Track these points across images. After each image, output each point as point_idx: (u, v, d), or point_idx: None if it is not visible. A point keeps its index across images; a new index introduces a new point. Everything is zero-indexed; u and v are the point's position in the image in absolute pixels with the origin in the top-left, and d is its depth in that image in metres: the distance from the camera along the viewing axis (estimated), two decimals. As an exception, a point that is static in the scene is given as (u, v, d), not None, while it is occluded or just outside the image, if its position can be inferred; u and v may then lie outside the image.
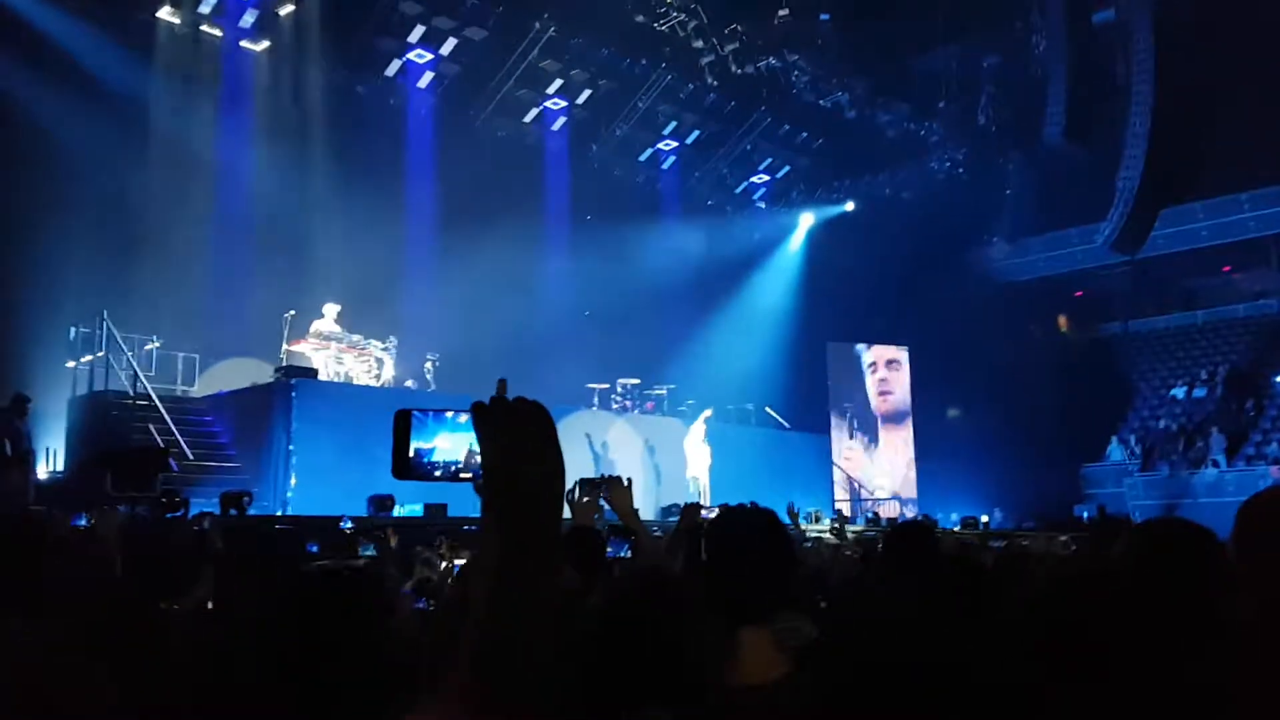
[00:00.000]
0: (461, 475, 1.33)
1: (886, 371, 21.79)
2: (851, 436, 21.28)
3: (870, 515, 17.80)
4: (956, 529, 15.33)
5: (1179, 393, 22.92)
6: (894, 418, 21.78)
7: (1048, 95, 18.80)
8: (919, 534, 3.50)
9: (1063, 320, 26.14)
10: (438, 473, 1.34)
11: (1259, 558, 1.60)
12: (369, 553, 4.59)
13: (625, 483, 3.70)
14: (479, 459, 1.16)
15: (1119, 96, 18.96)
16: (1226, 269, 25.24)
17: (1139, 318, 25.55)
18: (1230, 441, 20.25)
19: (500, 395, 1.16)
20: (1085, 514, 17.83)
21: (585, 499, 3.66)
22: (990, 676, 1.03)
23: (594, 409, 16.04)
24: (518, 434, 1.12)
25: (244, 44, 15.85)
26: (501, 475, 1.11)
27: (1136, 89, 18.28)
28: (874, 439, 21.60)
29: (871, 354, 21.77)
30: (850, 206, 23.21)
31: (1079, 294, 25.80)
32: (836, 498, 19.67)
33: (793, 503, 8.97)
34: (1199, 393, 22.57)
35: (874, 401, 21.74)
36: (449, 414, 1.35)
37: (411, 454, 1.34)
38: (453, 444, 1.34)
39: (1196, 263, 24.10)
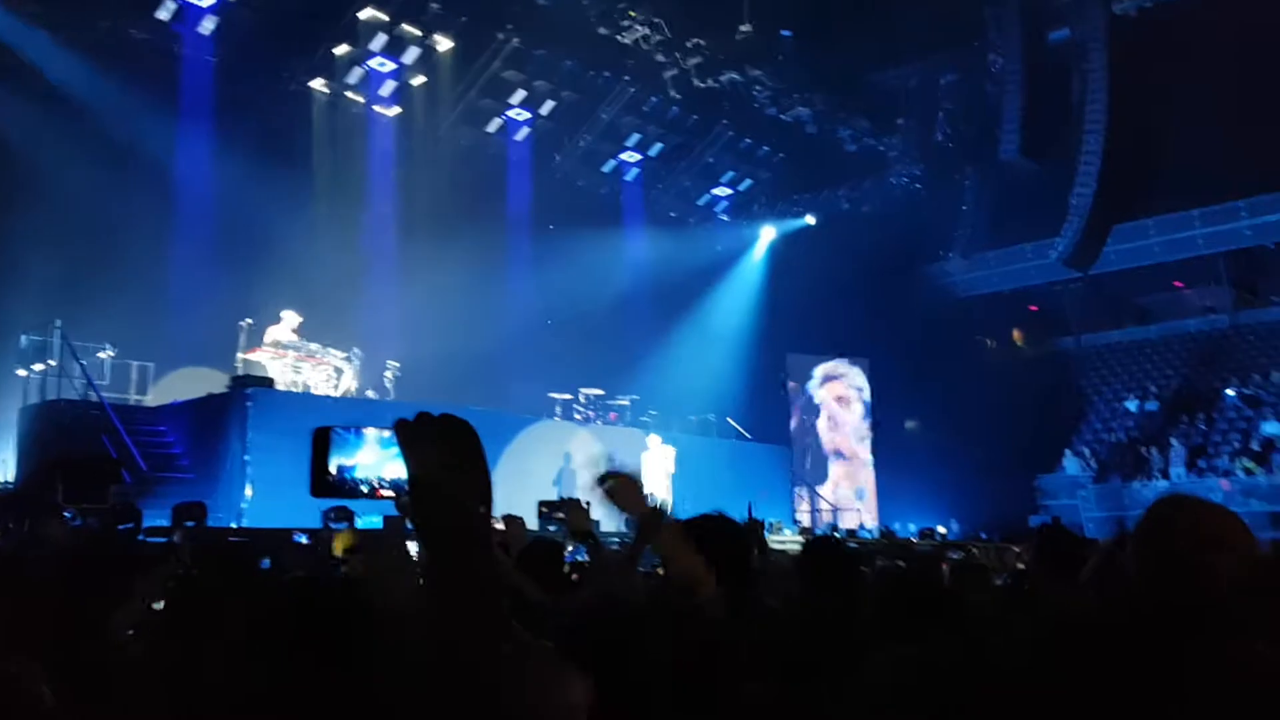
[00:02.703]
0: (381, 492, 1.31)
1: (838, 406, 22.06)
2: (808, 450, 21.43)
3: (831, 525, 17.93)
4: (913, 539, 15.48)
5: (1131, 405, 23.34)
6: (853, 441, 22.07)
7: (1004, 112, 19.13)
8: (832, 550, 3.62)
9: (1018, 334, 26.54)
10: (363, 488, 1.32)
11: (1144, 559, 1.66)
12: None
13: (584, 505, 3.79)
14: (400, 476, 1.15)
15: (1074, 114, 19.34)
16: (1178, 284, 25.75)
17: (1092, 332, 25.98)
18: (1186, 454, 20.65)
19: (424, 412, 1.16)
20: (1038, 524, 18.07)
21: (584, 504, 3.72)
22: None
23: (556, 419, 16.02)
24: (442, 450, 1.12)
25: (203, 51, 15.68)
26: (427, 491, 1.11)
27: (1090, 107, 18.65)
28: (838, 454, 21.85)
29: (839, 386, 22.07)
30: (811, 220, 23.42)
31: (1034, 308, 26.20)
32: (796, 509, 19.79)
33: (750, 508, 8.89)
34: (1151, 406, 22.99)
35: (842, 430, 22.06)
36: (371, 431, 1.33)
37: (334, 470, 1.32)
38: (376, 459, 1.32)
39: (1148, 278, 24.57)
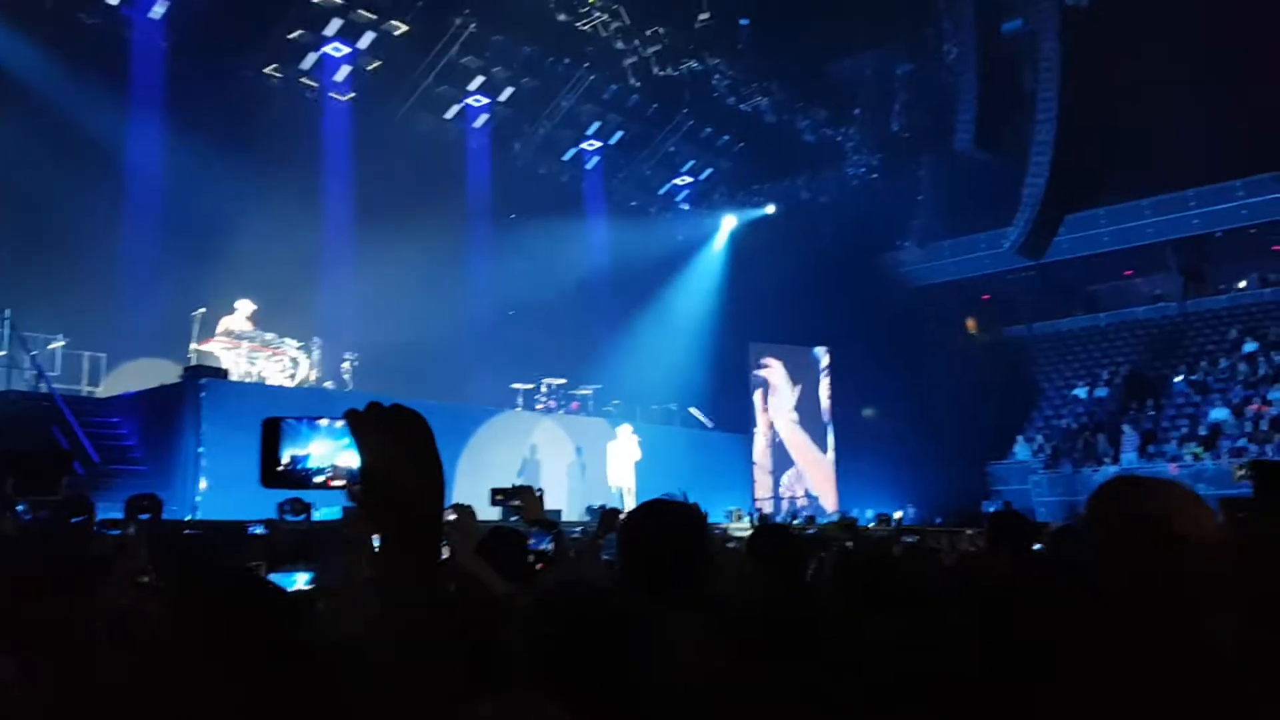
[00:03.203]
0: (332, 482, 1.31)
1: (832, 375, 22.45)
2: (774, 439, 21.60)
3: (790, 512, 18.10)
4: (871, 524, 15.66)
5: (1081, 392, 23.77)
6: (830, 422, 22.39)
7: (958, 103, 19.33)
8: (778, 535, 3.70)
9: (971, 322, 26.90)
10: (317, 479, 1.32)
11: (1098, 533, 1.71)
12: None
13: (536, 493, 3.81)
14: (354, 465, 1.17)
15: (1026, 105, 19.58)
16: (1128, 273, 26.25)
17: (1043, 320, 26.42)
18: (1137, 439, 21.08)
19: (375, 402, 1.17)
20: (992, 510, 18.37)
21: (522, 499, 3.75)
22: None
23: (519, 410, 15.98)
24: (394, 439, 1.13)
25: (154, 35, 15.38)
26: (379, 480, 1.12)
27: (1042, 97, 18.90)
28: (821, 444, 22.15)
29: (826, 359, 22.36)
30: (771, 209, 23.53)
31: (986, 297, 26.57)
32: (757, 497, 19.94)
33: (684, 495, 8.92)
34: (1101, 392, 23.43)
35: (824, 406, 22.30)
36: (323, 421, 1.33)
37: (287, 461, 1.31)
38: (328, 450, 1.32)
39: (1098, 267, 25.04)
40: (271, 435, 1.31)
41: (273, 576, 3.92)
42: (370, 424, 1.15)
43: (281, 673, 1.46)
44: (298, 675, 1.45)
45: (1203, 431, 20.52)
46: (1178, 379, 22.50)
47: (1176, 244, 24.21)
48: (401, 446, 1.13)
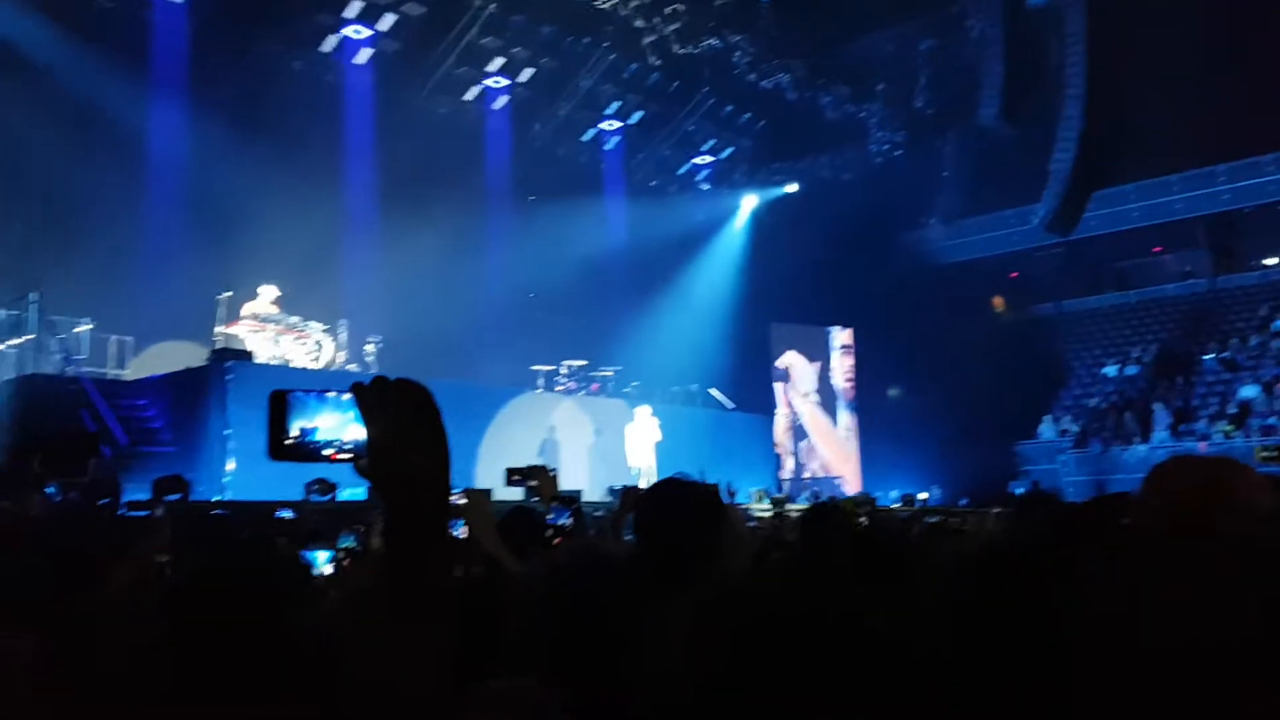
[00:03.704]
0: (338, 456, 1.30)
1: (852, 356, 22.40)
2: (794, 419, 21.56)
3: (812, 494, 18.06)
4: (896, 505, 15.61)
5: (1110, 371, 23.53)
6: (850, 402, 22.33)
7: (983, 78, 19.08)
8: (830, 514, 3.67)
9: (998, 301, 26.64)
10: (327, 451, 1.31)
11: (1147, 520, 1.67)
12: (348, 543, 4.58)
13: (551, 472, 3.82)
14: (360, 439, 1.15)
15: (1052, 79, 19.31)
16: (1157, 250, 25.91)
17: (1072, 298, 26.14)
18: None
19: (381, 376, 1.15)
20: (1019, 490, 18.24)
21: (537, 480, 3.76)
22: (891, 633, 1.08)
23: (539, 391, 16.01)
24: (399, 413, 1.12)
25: (175, 19, 15.43)
26: (383, 454, 1.11)
27: (1069, 72, 18.62)
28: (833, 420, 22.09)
29: (843, 336, 22.28)
30: (792, 188, 23.37)
31: (1014, 275, 26.30)
32: (780, 478, 19.91)
33: (730, 482, 8.96)
34: (1130, 370, 23.19)
35: (839, 385, 22.23)
36: (331, 393, 1.32)
37: (296, 434, 1.30)
38: (336, 423, 1.31)
39: (1127, 244, 24.73)
40: (279, 408, 1.30)
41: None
42: (375, 397, 1.13)
43: (283, 647, 1.45)
44: (299, 652, 1.44)
45: (1233, 409, 20.27)
46: (1208, 356, 22.22)
47: (1206, 220, 23.87)
48: (406, 421, 1.12)
